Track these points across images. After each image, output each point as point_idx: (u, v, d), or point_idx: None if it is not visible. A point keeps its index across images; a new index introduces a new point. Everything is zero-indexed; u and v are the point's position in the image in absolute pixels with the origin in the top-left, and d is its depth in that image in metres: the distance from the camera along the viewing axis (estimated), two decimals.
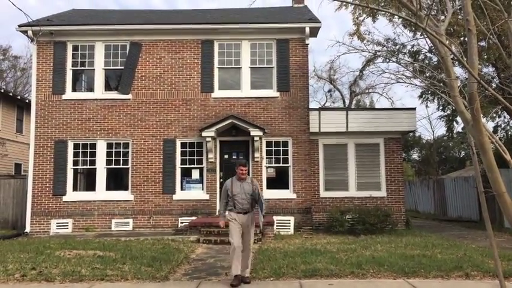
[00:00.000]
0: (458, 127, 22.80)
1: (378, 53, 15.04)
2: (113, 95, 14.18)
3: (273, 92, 14.15)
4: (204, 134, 13.45)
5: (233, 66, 14.33)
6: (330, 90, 38.67)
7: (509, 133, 18.22)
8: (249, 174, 13.82)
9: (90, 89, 14.50)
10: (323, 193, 14.34)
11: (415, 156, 42.46)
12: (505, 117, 17.59)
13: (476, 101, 2.85)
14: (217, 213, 6.55)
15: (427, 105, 19.39)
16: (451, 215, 20.89)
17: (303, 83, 14.24)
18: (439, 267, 7.52)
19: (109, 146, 13.95)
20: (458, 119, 17.79)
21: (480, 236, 13.01)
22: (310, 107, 14.45)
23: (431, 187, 23.73)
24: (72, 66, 14.32)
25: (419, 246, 10.05)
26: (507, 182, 15.28)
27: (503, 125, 18.19)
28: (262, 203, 6.94)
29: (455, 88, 3.11)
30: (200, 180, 13.93)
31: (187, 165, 13.93)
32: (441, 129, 70.77)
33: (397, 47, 17.40)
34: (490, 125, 19.19)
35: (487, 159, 2.93)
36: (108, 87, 14.54)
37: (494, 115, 16.43)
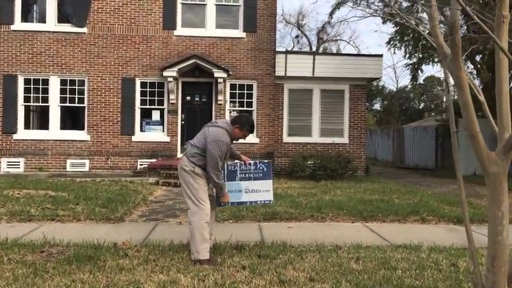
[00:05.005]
0: (423, 76, 22.92)
1: None
2: (67, 27, 13.17)
3: (238, 32, 13.55)
4: (165, 73, 12.83)
5: (197, 3, 13.52)
6: (297, 36, 38.10)
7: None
8: (212, 119, 13.65)
9: (42, 20, 13.41)
10: (286, 138, 14.25)
11: (377, 106, 43.15)
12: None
13: (457, 31, 2.61)
14: (220, 188, 4.72)
15: (394, 51, 19.20)
16: (408, 163, 21.51)
17: (271, 24, 13.68)
18: (396, 211, 7.61)
19: (63, 82, 13.11)
20: (424, 67, 17.86)
21: (435, 183, 13.41)
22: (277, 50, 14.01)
23: (391, 136, 24.22)
24: None
25: (377, 191, 10.21)
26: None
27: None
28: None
29: (436, 18, 2.84)
30: (161, 122, 13.46)
31: (148, 106, 13.37)
32: (404, 80, 71.95)
33: None
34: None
35: (463, 96, 2.73)
36: (61, 19, 13.48)
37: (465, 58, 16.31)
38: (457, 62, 2.67)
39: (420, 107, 42.98)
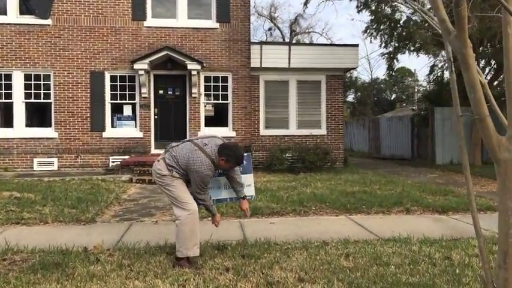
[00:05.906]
0: (399, 65, 22.81)
1: None
2: (30, 19, 12.46)
3: (212, 23, 13.12)
4: (136, 66, 12.31)
5: None
6: (270, 29, 37.79)
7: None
8: (186, 112, 13.21)
9: (3, 11, 12.62)
10: (263, 131, 13.95)
11: (350, 98, 43.31)
12: None
13: (464, 2, 2.32)
14: (207, 208, 4.51)
15: (371, 40, 18.97)
16: (384, 153, 21.56)
17: (245, 14, 13.29)
18: (380, 203, 7.43)
19: (27, 77, 12.41)
20: (399, 56, 17.69)
21: (413, 173, 13.38)
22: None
23: (367, 126, 24.25)
24: None
25: (358, 182, 10.04)
26: (441, 120, 15.72)
27: None
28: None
29: None
30: (133, 117, 12.94)
31: (118, 101, 12.82)
32: (378, 71, 72.68)
33: None
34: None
35: (469, 75, 2.46)
36: (24, 10, 12.73)
37: None
38: (463, 37, 2.40)
39: (392, 98, 43.43)
